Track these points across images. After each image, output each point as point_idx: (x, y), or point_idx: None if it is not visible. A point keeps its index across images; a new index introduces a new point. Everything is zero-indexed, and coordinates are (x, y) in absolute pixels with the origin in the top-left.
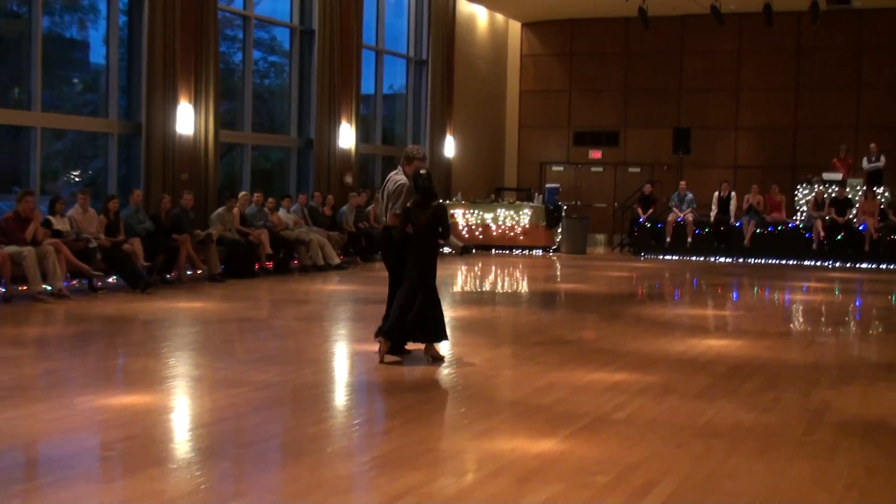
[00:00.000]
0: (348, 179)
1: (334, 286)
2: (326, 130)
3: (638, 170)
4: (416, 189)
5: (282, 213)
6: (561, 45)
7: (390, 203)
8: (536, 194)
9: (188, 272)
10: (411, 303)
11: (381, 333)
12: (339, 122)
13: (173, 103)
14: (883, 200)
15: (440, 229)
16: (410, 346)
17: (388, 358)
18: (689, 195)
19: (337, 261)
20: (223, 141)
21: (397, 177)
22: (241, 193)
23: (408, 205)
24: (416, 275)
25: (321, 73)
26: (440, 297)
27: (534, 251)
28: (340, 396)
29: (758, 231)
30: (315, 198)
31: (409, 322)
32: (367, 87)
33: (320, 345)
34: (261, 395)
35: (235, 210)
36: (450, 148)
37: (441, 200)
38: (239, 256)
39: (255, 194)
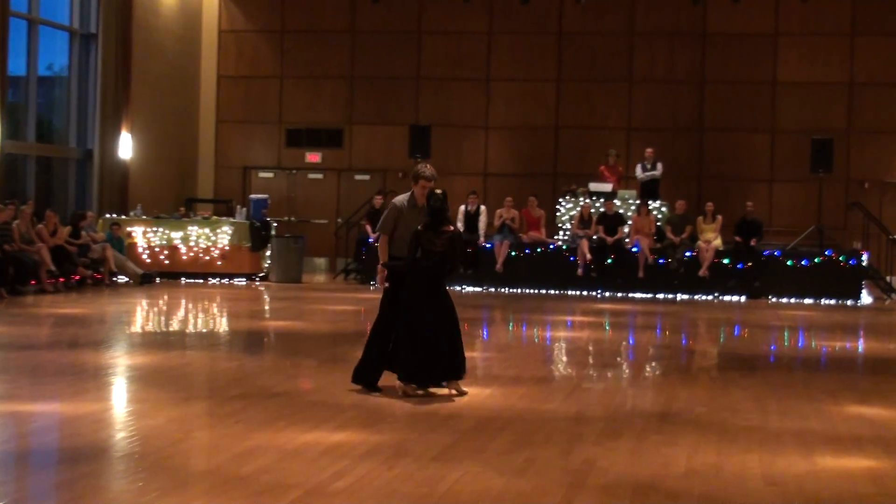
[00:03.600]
0: None
1: None
2: None
3: (367, 177)
4: (428, 210)
5: None
6: (269, 20)
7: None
8: (239, 208)
9: None
10: (433, 338)
11: (405, 378)
12: None
13: None
14: (660, 216)
15: (454, 260)
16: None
17: (411, 389)
18: None
19: None
20: None
21: (398, 196)
22: None
23: (419, 228)
24: (437, 306)
25: None
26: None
27: (235, 280)
28: None
29: (513, 253)
30: None
31: (428, 359)
32: (17, 66)
33: None
34: None
35: None
36: (126, 147)
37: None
38: None
39: None
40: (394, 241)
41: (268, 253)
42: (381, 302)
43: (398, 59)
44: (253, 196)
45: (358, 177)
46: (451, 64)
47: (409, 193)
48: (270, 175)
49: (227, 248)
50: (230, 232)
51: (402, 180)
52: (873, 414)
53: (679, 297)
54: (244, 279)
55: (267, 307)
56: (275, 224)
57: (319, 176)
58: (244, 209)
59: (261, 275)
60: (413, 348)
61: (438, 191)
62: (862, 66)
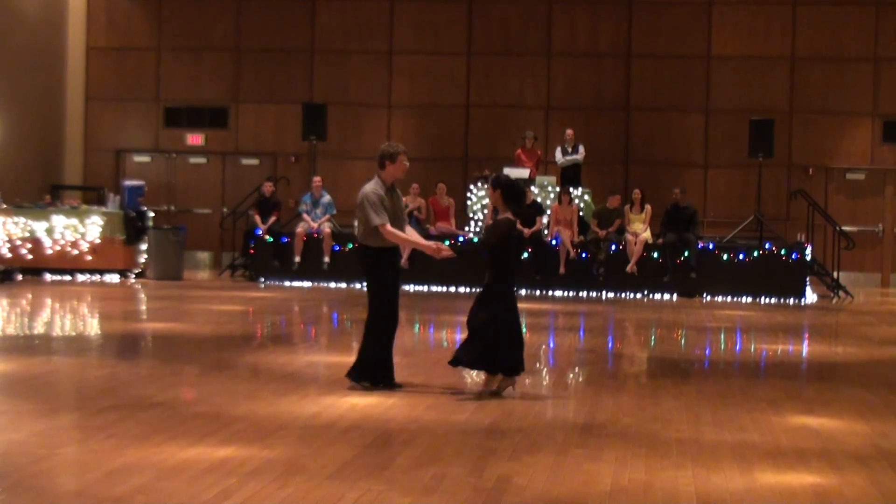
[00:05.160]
0: None
1: None
2: None
3: (255, 161)
4: (518, 195)
5: None
6: None
7: (365, 218)
8: (111, 196)
9: None
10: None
11: (509, 373)
12: None
13: None
14: (582, 205)
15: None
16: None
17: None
18: (327, 197)
19: None
20: None
21: (365, 186)
22: None
23: (509, 218)
24: (511, 295)
25: None
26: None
27: (107, 276)
28: None
29: None
30: None
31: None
32: None
33: None
34: None
35: None
36: None
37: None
38: None
39: None
40: (376, 234)
41: (144, 246)
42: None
43: (290, 30)
44: (127, 182)
45: (245, 161)
46: (348, 35)
47: (375, 180)
48: (147, 159)
49: (97, 240)
50: (101, 223)
51: (294, 164)
52: (818, 425)
53: (604, 295)
54: (117, 276)
55: (143, 307)
56: (152, 214)
57: (202, 160)
58: (117, 197)
59: (136, 271)
60: (513, 343)
61: (486, 172)
62: (805, 39)
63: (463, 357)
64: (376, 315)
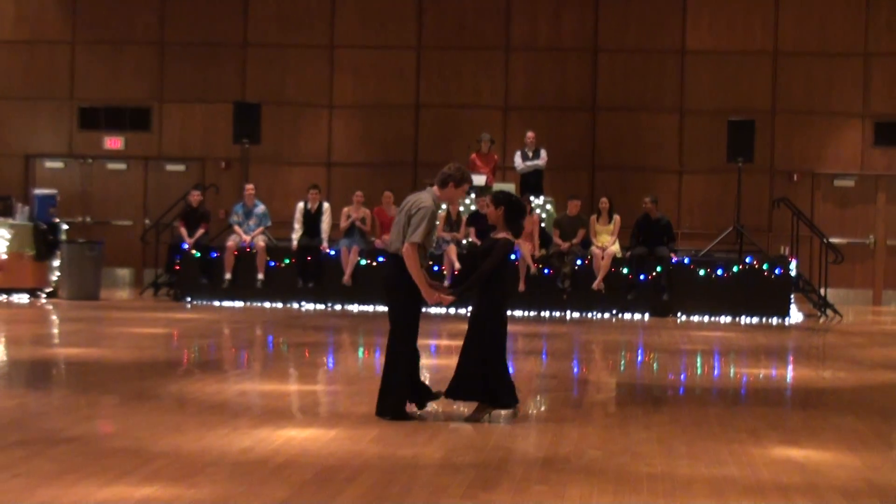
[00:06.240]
0: None
1: None
2: None
3: (181, 167)
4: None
5: None
6: None
7: (409, 229)
8: (20, 206)
9: None
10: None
11: (503, 405)
12: None
13: None
14: (544, 216)
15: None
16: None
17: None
18: (261, 207)
19: None
20: None
21: (423, 196)
22: None
23: (506, 238)
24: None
25: None
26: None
27: (15, 296)
28: None
29: (363, 262)
30: None
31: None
32: None
33: None
34: None
35: None
36: None
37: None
38: None
39: None
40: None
41: (56, 263)
42: (410, 318)
43: (219, 21)
44: (37, 191)
45: (170, 167)
46: (285, 27)
47: (431, 194)
48: (59, 165)
49: (3, 256)
50: (8, 237)
51: (224, 171)
52: (803, 457)
53: (569, 314)
54: (26, 295)
55: (55, 330)
56: (65, 226)
57: (122, 166)
58: (26, 208)
59: (48, 290)
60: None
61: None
62: (789, 32)
63: (458, 390)
64: (400, 338)
